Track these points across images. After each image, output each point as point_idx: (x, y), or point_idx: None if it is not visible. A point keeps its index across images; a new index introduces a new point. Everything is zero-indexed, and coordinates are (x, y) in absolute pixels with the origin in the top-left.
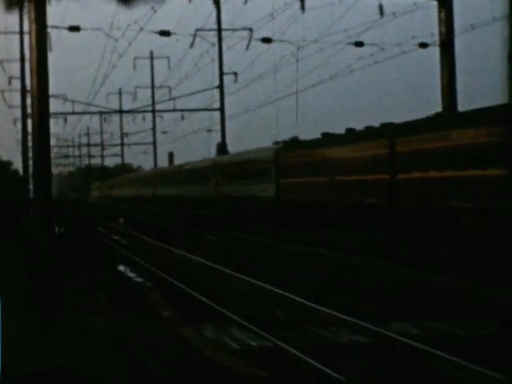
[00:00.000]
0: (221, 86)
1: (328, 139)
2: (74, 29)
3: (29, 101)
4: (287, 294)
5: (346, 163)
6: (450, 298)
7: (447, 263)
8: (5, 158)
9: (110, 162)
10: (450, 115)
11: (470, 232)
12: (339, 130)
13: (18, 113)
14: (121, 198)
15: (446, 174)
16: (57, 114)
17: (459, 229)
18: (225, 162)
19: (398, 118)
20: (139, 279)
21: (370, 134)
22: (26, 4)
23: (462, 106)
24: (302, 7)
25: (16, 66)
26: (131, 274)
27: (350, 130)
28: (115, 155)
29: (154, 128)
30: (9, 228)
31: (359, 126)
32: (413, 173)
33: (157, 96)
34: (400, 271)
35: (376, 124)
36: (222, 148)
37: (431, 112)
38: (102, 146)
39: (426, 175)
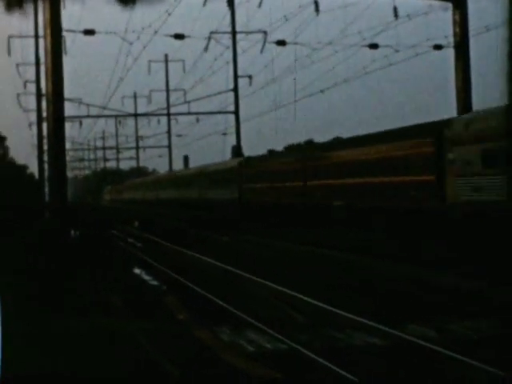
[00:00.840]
0: (235, 89)
1: (270, 155)
2: (89, 32)
3: (44, 104)
4: (299, 295)
5: (278, 173)
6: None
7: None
8: (20, 161)
9: (125, 165)
10: (336, 140)
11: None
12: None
13: (33, 117)
14: (129, 200)
15: (327, 182)
16: (72, 118)
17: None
18: (207, 171)
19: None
20: (152, 279)
21: (293, 151)
22: (35, 7)
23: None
24: (317, 9)
25: (31, 70)
26: (145, 276)
27: (288, 148)
28: (130, 158)
29: (169, 131)
30: (22, 231)
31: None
32: (314, 181)
33: (172, 99)
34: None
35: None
36: (237, 151)
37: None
38: (118, 149)
39: (319, 183)
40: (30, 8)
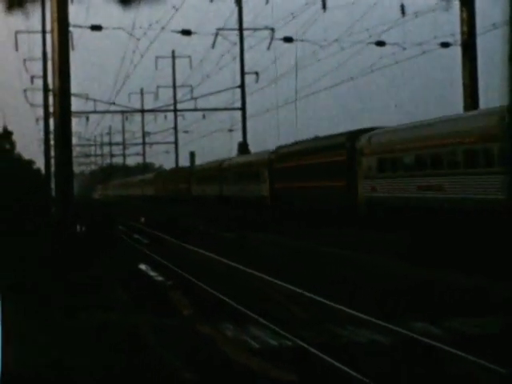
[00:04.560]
0: (242, 86)
1: (173, 169)
2: (96, 28)
3: (51, 100)
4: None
5: (167, 181)
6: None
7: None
8: (27, 157)
9: (131, 161)
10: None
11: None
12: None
13: (40, 112)
14: (112, 196)
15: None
16: (79, 113)
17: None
18: (143, 179)
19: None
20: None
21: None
22: (43, 3)
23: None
24: (324, 6)
25: (38, 65)
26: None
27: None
28: (137, 154)
29: (175, 127)
30: (31, 227)
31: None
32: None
33: (178, 95)
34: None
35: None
36: (243, 147)
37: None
38: (124, 145)
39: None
40: (31, 7)
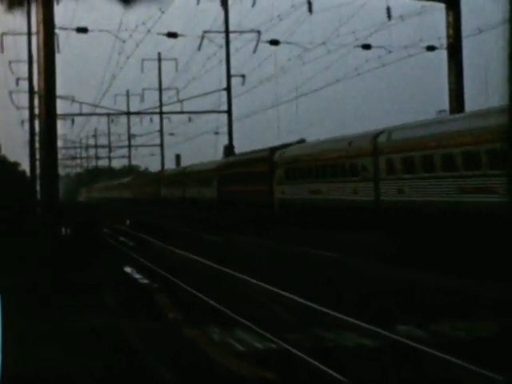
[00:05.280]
0: (228, 88)
1: (139, 175)
2: (82, 30)
3: (36, 102)
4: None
5: (143, 185)
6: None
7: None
8: (12, 159)
9: (117, 163)
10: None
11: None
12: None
13: (25, 114)
14: (94, 198)
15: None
16: (64, 115)
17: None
18: (119, 182)
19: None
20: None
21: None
22: (28, 4)
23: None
24: (310, 9)
25: (24, 67)
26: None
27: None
28: (122, 157)
29: (161, 130)
30: (15, 229)
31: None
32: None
33: (164, 98)
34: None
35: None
36: (228, 150)
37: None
38: (110, 147)
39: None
40: (29, 7)
